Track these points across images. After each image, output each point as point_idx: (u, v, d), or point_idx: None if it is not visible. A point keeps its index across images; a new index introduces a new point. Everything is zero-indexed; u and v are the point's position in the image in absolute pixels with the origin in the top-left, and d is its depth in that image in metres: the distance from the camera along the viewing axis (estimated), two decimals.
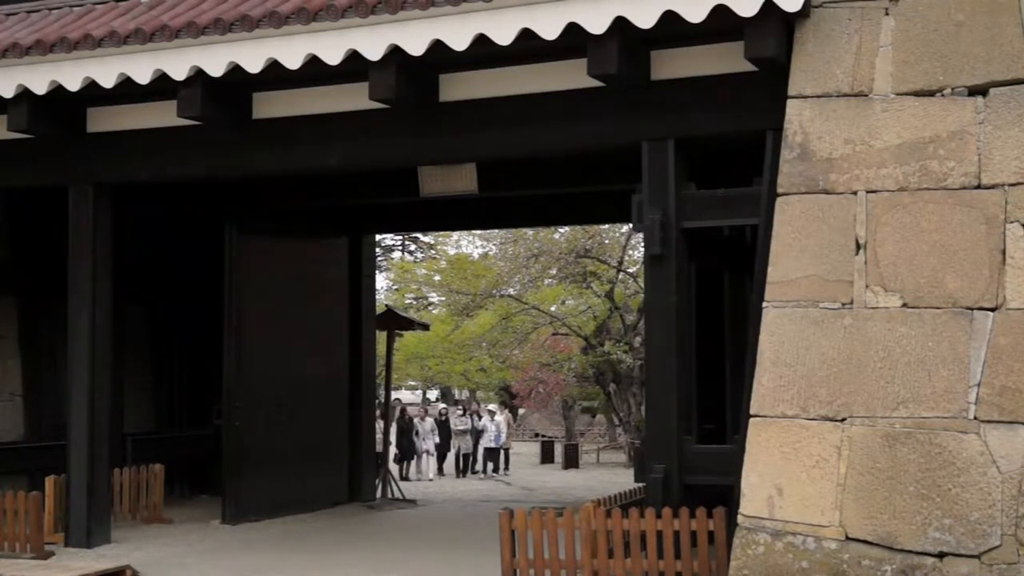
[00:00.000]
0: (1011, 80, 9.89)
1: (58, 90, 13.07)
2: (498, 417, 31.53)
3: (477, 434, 30.73)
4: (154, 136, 14.07)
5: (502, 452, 31.07)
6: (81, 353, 14.47)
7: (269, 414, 17.29)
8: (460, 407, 34.90)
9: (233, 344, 16.93)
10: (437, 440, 30.32)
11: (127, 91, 12.96)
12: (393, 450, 28.45)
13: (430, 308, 46.09)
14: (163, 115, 13.61)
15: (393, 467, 27.36)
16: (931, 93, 10.15)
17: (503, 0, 11.10)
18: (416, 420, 29.96)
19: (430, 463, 29.72)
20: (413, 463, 29.07)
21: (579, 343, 34.47)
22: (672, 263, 11.74)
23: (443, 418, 31.87)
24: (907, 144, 10.10)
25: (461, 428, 30.60)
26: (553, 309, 35.87)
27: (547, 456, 34.65)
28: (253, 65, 12.16)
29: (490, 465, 30.51)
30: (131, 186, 15.16)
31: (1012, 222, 9.63)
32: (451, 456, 30.90)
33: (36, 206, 16.73)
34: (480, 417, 31.52)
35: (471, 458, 30.70)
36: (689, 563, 10.96)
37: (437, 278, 41.62)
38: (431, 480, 28.11)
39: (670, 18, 10.63)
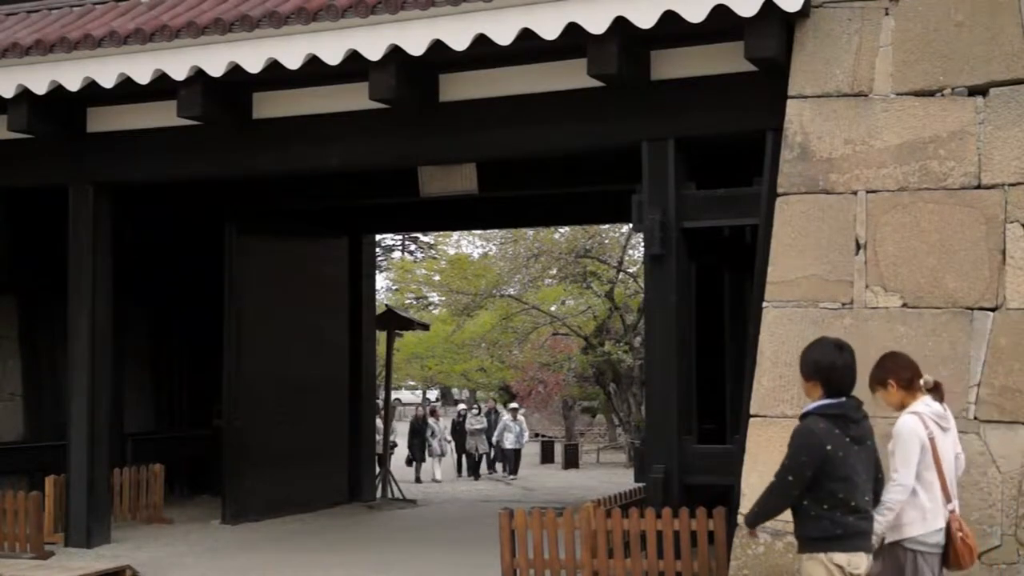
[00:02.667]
0: (1011, 80, 9.89)
1: (58, 90, 13.06)
2: (520, 416, 31.30)
3: (500, 434, 30.14)
4: (154, 136, 14.06)
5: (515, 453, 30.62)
6: (81, 353, 14.46)
7: (269, 414, 17.28)
8: (476, 406, 34.54)
9: (233, 344, 16.93)
10: (448, 439, 30.13)
11: (127, 91, 12.94)
12: (404, 452, 28.41)
13: (430, 308, 46.12)
14: (163, 115, 13.59)
15: (407, 469, 27.30)
16: (931, 93, 10.14)
17: (503, 0, 11.10)
18: (431, 420, 29.63)
19: (441, 464, 29.23)
20: (425, 464, 28.51)
21: (579, 343, 34.46)
22: (672, 263, 11.73)
23: (460, 419, 31.46)
24: (907, 144, 10.10)
25: (477, 427, 30.30)
26: (553, 309, 35.87)
27: (547, 456, 34.59)
28: (253, 65, 12.15)
29: (508, 466, 30.06)
30: (131, 186, 15.14)
31: (1012, 222, 9.63)
32: (454, 456, 30.71)
33: (36, 206, 16.71)
34: (499, 414, 31.23)
35: (485, 458, 30.43)
36: (689, 563, 10.94)
37: (437, 278, 41.65)
38: (440, 481, 27.63)
39: (670, 18, 10.62)
